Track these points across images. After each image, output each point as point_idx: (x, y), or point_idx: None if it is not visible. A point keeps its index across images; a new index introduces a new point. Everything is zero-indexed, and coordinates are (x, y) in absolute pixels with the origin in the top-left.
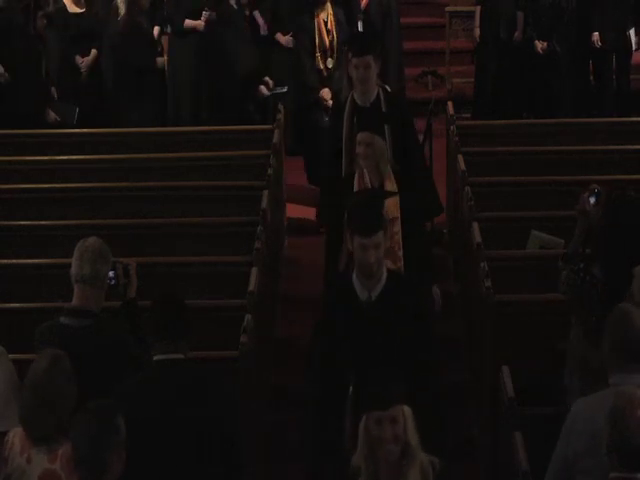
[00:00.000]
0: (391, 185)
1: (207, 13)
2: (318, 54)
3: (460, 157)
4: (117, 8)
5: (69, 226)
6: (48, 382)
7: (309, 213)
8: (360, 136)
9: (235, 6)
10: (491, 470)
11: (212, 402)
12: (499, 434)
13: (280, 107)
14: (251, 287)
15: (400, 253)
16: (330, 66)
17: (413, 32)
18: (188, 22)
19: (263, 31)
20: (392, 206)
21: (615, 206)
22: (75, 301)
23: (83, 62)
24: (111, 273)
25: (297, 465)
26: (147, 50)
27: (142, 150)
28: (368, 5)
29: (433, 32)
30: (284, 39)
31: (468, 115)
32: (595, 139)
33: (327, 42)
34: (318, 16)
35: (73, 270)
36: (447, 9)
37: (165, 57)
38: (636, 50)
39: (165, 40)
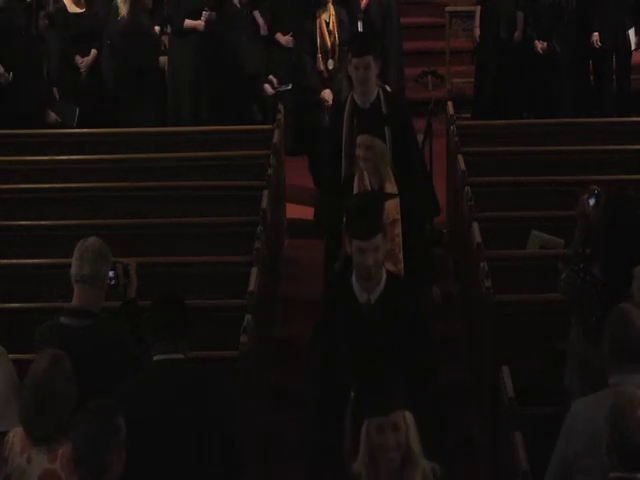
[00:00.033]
0: (391, 187)
1: (207, 13)
2: (319, 55)
3: (460, 157)
4: (117, 8)
5: (69, 226)
6: (48, 382)
7: (309, 213)
8: (360, 139)
9: (238, 5)
10: (491, 470)
11: (212, 402)
12: (499, 434)
13: (280, 107)
14: (251, 287)
15: (401, 255)
16: (331, 67)
17: (413, 32)
18: (188, 22)
19: (263, 31)
20: (392, 208)
21: (614, 206)
22: (75, 301)
23: (83, 62)
24: (111, 273)
25: (297, 465)
26: (150, 49)
27: (142, 150)
28: (368, 5)
29: (433, 32)
30: (284, 39)
31: (468, 115)
32: (595, 139)
33: (328, 43)
34: (320, 17)
35: (73, 270)
36: (447, 9)
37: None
38: (635, 50)
39: (165, 40)
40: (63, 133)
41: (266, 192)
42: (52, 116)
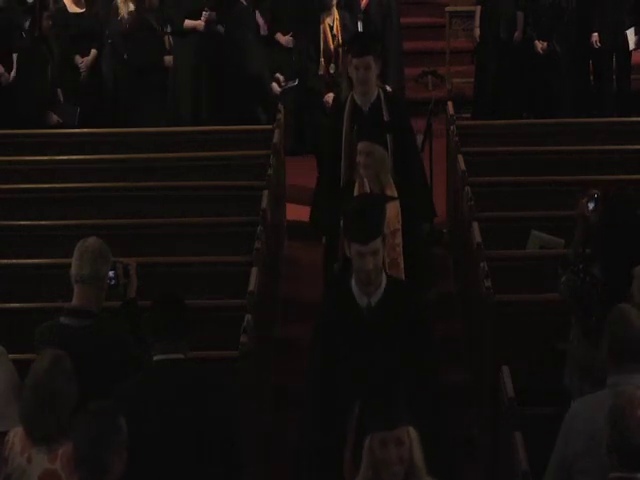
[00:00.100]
0: (391, 194)
1: (207, 13)
2: (322, 59)
3: (460, 157)
4: (117, 8)
5: (69, 226)
6: (49, 382)
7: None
8: (360, 145)
9: (245, 2)
10: (491, 470)
11: (212, 402)
12: (499, 434)
13: (280, 107)
14: (251, 287)
15: (402, 264)
16: (332, 71)
17: (413, 32)
18: (188, 22)
19: (263, 31)
20: (393, 217)
21: (612, 205)
22: (75, 301)
23: (83, 62)
24: (111, 273)
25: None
26: (154, 48)
27: (142, 150)
28: (368, 5)
29: (433, 32)
30: (284, 39)
31: (468, 115)
32: (595, 139)
33: (332, 47)
34: (324, 21)
35: (73, 270)
36: (447, 9)
37: None
38: (635, 49)
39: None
40: (63, 133)
41: (266, 192)
42: (54, 118)
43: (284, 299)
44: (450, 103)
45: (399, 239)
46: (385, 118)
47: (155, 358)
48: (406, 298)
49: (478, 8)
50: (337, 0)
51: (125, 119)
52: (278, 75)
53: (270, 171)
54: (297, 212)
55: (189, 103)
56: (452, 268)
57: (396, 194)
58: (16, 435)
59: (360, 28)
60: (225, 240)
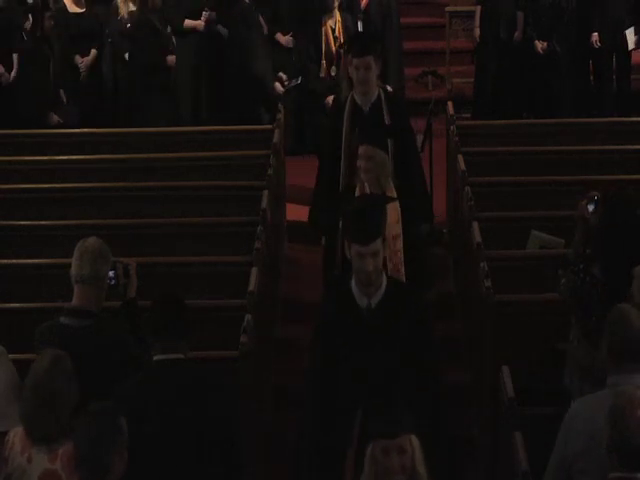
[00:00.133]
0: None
1: (207, 13)
2: (323, 62)
3: (460, 157)
4: (117, 8)
5: (69, 226)
6: (49, 382)
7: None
8: (361, 150)
9: (247, 1)
10: (491, 470)
11: (212, 402)
12: (499, 434)
13: (280, 107)
14: (251, 287)
15: (403, 270)
16: (333, 74)
17: (413, 32)
18: (188, 22)
19: (265, 31)
20: (394, 223)
21: (612, 205)
22: (75, 301)
23: (83, 62)
24: (111, 273)
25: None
26: (157, 47)
27: (142, 150)
28: (368, 5)
29: (433, 32)
30: (284, 39)
31: (468, 115)
32: (595, 139)
33: (333, 49)
34: (326, 23)
35: (73, 270)
36: (447, 9)
37: None
38: (634, 49)
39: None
40: (63, 133)
41: (266, 192)
42: (54, 118)
43: (284, 299)
44: (450, 103)
45: (400, 244)
46: (385, 118)
47: (155, 358)
48: (406, 299)
49: (478, 8)
50: (339, 2)
51: (125, 119)
52: (281, 74)
53: (270, 171)
54: (297, 212)
55: (189, 103)
56: (452, 268)
57: (396, 197)
58: (16, 435)
59: (360, 28)
60: (225, 240)
